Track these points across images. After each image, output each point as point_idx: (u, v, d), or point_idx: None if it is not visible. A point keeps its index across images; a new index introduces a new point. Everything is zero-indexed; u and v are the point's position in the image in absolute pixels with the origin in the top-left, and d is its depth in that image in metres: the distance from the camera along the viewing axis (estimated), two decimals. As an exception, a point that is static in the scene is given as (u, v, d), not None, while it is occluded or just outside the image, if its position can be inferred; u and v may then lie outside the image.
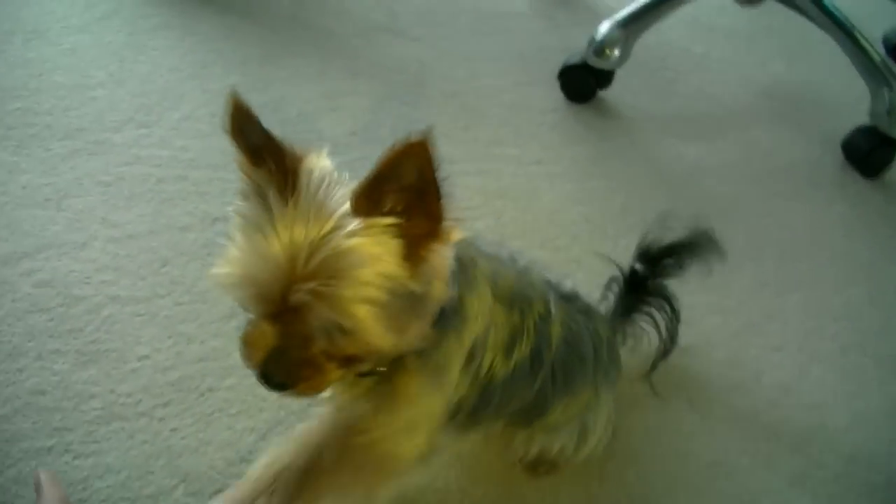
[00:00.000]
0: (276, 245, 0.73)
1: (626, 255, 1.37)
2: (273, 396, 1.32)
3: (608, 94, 2.17)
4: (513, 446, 1.26)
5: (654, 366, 1.40)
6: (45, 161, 1.73)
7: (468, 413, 1.05)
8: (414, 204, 0.74)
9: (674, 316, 1.36)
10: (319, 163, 0.80)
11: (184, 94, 1.94)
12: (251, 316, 0.82)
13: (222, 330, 1.44)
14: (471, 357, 0.98)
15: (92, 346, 1.39)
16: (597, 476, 1.33)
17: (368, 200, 0.74)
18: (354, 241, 0.73)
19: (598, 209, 1.83)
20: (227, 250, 0.79)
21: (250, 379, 1.32)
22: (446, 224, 0.77)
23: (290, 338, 0.77)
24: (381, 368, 0.91)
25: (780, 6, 2.19)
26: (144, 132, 1.82)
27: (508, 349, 1.03)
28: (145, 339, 1.42)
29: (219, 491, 1.22)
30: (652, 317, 1.36)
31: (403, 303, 0.78)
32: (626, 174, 1.95)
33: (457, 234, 0.78)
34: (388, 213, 0.75)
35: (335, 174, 0.80)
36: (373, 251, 0.74)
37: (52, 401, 1.31)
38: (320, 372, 0.80)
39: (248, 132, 0.78)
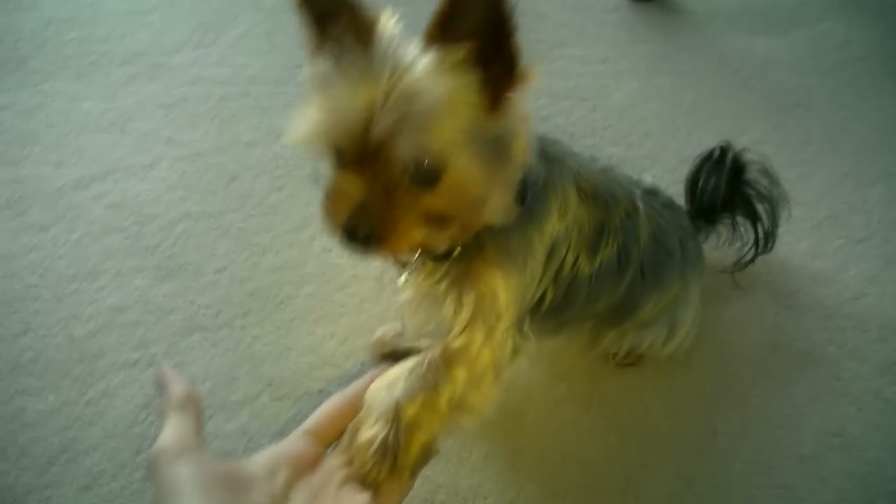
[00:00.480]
0: (357, 89, 0.72)
1: (699, 150, 1.32)
2: (352, 301, 1.33)
3: (672, -10, 2.10)
4: (603, 344, 1.24)
5: (742, 265, 1.36)
6: (106, 87, 1.72)
7: (553, 311, 1.03)
8: (487, 45, 0.71)
9: (773, 220, 1.32)
10: (390, 22, 0.77)
11: (238, 14, 1.91)
12: (329, 174, 0.79)
13: (296, 240, 1.43)
14: (552, 252, 0.95)
15: (168, 261, 1.40)
16: (682, 368, 1.30)
17: (441, 34, 0.71)
18: (432, 77, 0.71)
19: (668, 106, 1.77)
20: (302, 110, 0.77)
21: (328, 285, 1.35)
22: (523, 66, 0.73)
23: (376, 187, 0.75)
24: (456, 255, 0.88)
25: None
26: (203, 52, 1.81)
27: (593, 247, 1.00)
28: (220, 253, 1.42)
29: (304, 394, 1.23)
30: (737, 217, 1.32)
31: (486, 145, 0.75)
32: (694, 70, 1.88)
33: (534, 77, 0.75)
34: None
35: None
36: (450, 86, 0.71)
37: (134, 316, 1.33)
38: (405, 226, 0.76)
39: None
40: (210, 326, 1.31)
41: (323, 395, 1.22)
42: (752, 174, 1.30)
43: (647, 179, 1.17)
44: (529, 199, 0.89)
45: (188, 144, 1.59)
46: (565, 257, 0.97)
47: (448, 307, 0.89)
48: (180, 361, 1.27)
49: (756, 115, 1.76)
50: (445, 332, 0.89)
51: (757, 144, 1.65)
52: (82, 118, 1.65)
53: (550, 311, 1.02)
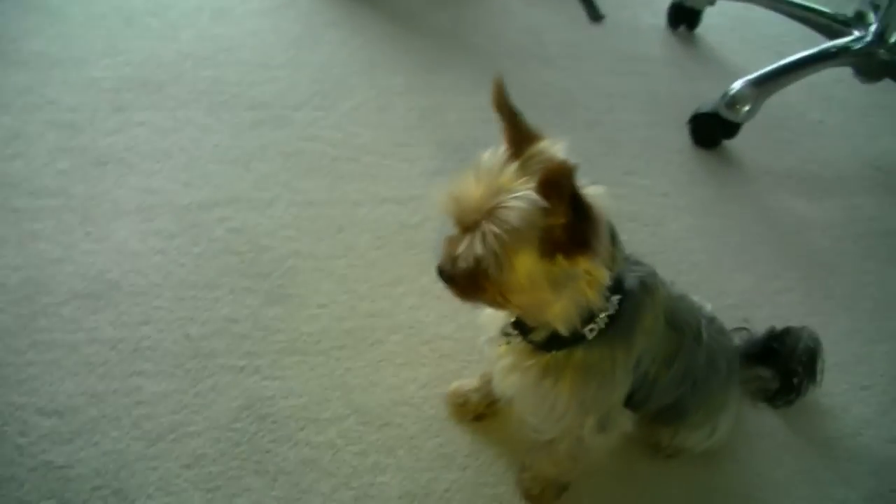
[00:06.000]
0: (479, 188, 0.97)
1: (738, 288, 1.54)
2: (433, 356, 1.55)
3: (731, 145, 2.35)
4: (658, 437, 1.46)
5: (772, 405, 1.61)
6: (234, 126, 1.96)
7: (634, 406, 1.27)
8: (568, 224, 0.94)
9: (811, 376, 1.57)
10: (551, 146, 1.00)
11: (354, 87, 2.16)
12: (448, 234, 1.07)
13: (390, 293, 1.65)
14: (638, 362, 1.19)
15: (278, 289, 1.61)
16: (702, 464, 1.51)
17: (546, 191, 0.93)
18: (520, 209, 0.94)
19: (715, 244, 2.01)
20: (452, 182, 1.02)
21: (414, 338, 1.58)
22: (589, 249, 0.95)
23: (467, 252, 1.00)
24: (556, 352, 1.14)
25: (896, 85, 2.38)
26: (321, 114, 2.05)
27: (668, 363, 1.24)
28: (323, 291, 1.63)
29: (385, 425, 1.43)
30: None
31: (544, 274, 0.98)
32: (741, 217, 2.13)
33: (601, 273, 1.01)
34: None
35: (564, 158, 0.97)
36: (528, 223, 0.94)
37: (244, 329, 1.53)
38: (476, 285, 1.03)
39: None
40: (310, 351, 1.52)
41: (401, 428, 1.43)
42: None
43: (708, 307, 1.41)
44: (624, 320, 1.12)
45: (303, 192, 1.82)
46: (648, 367, 1.22)
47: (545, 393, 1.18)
48: (281, 376, 1.47)
49: (788, 266, 1.99)
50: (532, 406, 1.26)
51: (786, 291, 1.90)
52: (211, 148, 1.88)
53: (632, 405, 1.26)
